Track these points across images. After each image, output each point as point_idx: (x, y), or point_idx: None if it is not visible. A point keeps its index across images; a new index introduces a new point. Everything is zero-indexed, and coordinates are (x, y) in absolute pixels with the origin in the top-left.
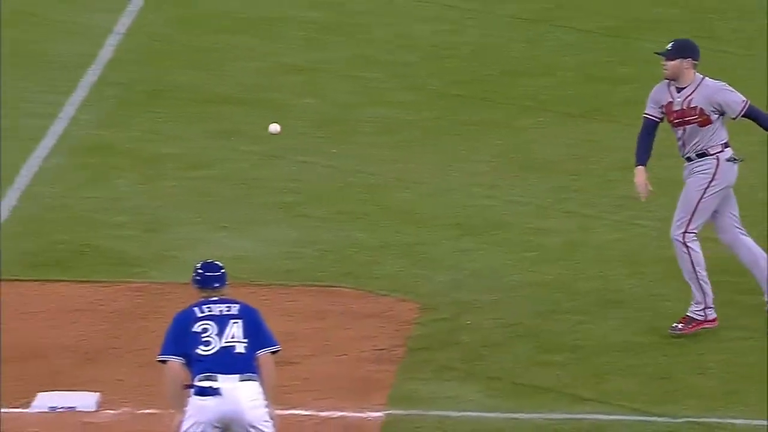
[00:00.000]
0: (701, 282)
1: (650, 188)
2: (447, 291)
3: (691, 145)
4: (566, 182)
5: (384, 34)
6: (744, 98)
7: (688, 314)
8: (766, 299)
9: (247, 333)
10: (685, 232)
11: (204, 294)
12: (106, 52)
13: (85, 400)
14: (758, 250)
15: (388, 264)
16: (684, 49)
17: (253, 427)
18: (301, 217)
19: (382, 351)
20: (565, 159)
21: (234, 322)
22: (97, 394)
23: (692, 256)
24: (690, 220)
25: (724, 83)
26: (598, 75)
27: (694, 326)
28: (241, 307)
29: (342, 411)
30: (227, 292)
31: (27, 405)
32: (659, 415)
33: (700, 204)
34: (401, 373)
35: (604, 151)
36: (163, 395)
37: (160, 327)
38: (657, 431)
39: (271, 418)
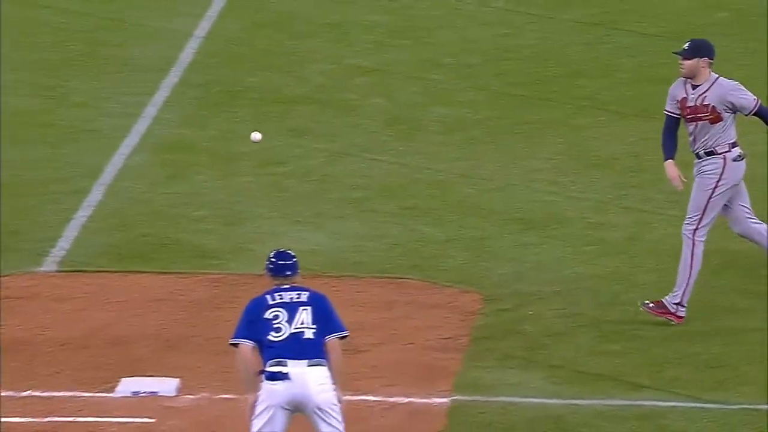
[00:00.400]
0: (690, 280)
1: (684, 178)
2: (510, 283)
3: (701, 141)
4: (624, 179)
5: (449, 38)
6: (755, 97)
7: (662, 300)
8: None
9: (316, 319)
10: (696, 229)
11: (276, 282)
12: (186, 55)
13: (165, 386)
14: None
15: (453, 257)
16: (700, 49)
17: (321, 410)
18: (370, 212)
19: (448, 340)
20: (622, 156)
21: (303, 309)
22: (177, 379)
23: (694, 254)
24: (701, 218)
25: (737, 83)
26: (653, 76)
27: (661, 313)
28: (310, 294)
29: (409, 397)
30: (299, 280)
31: (111, 390)
32: (714, 402)
33: (710, 203)
34: (466, 360)
35: (660, 149)
36: (238, 381)
37: (236, 316)
38: (712, 417)
39: (339, 401)
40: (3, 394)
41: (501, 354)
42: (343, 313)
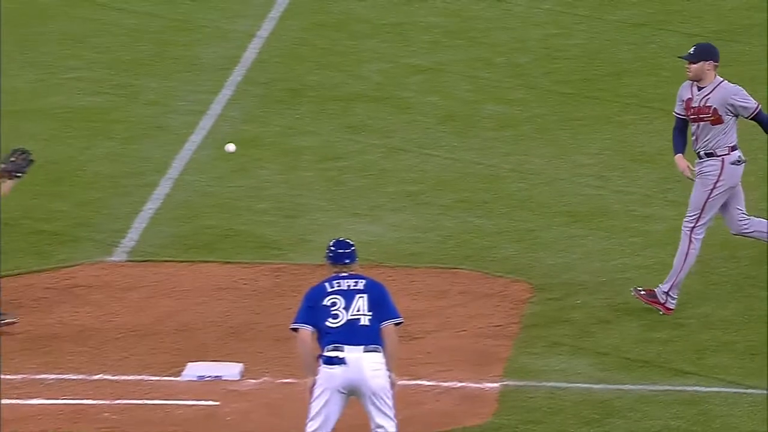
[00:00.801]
0: (681, 273)
1: (693, 168)
2: (558, 273)
3: (702, 141)
4: (668, 173)
5: (501, 38)
6: (757, 103)
7: (654, 290)
8: None
9: (372, 306)
10: (695, 227)
11: (335, 269)
12: (250, 55)
13: (229, 370)
14: (762, 224)
15: (504, 248)
16: (706, 53)
17: (375, 395)
18: (425, 205)
19: (499, 327)
20: (667, 152)
21: (360, 297)
22: (240, 364)
23: (690, 249)
24: (700, 216)
25: (740, 87)
26: None
27: (651, 302)
28: (367, 282)
29: (462, 382)
30: (357, 268)
31: (177, 374)
32: (754, 387)
33: (708, 203)
34: (516, 347)
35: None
36: (298, 366)
37: (297, 304)
38: (753, 402)
39: (393, 384)
40: (74, 377)
41: (549, 341)
42: (398, 301)
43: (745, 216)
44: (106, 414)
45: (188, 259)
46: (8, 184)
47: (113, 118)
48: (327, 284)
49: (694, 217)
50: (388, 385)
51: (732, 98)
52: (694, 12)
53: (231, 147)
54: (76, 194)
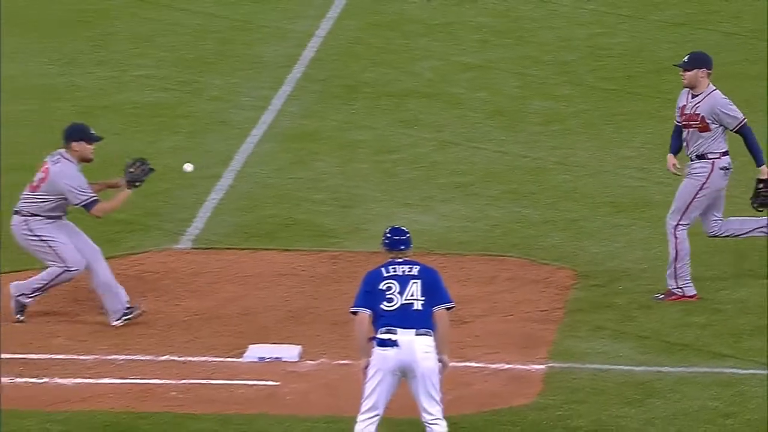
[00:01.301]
0: (677, 266)
1: (678, 165)
2: (602, 261)
3: (692, 146)
4: None
5: (547, 37)
6: (742, 117)
7: (669, 289)
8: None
9: (425, 292)
10: (677, 224)
11: (391, 255)
12: (308, 53)
13: (288, 352)
14: (731, 223)
15: (550, 237)
16: (699, 61)
17: (424, 376)
18: (474, 195)
19: (544, 312)
20: None
21: (414, 282)
22: (299, 346)
23: (677, 244)
24: (683, 215)
25: (728, 100)
26: (734, 72)
27: (674, 299)
28: (421, 268)
29: (509, 364)
30: (411, 254)
31: (239, 355)
32: None
33: (692, 203)
34: (561, 331)
35: (739, 139)
36: (353, 347)
37: (353, 290)
38: None
39: (446, 365)
40: (143, 358)
41: (593, 325)
42: (449, 287)
43: (720, 221)
44: (173, 393)
45: (250, 246)
46: (125, 194)
47: (179, 113)
48: (383, 269)
49: (677, 216)
50: (436, 368)
51: (719, 109)
52: (732, 12)
53: (188, 167)
54: (145, 185)
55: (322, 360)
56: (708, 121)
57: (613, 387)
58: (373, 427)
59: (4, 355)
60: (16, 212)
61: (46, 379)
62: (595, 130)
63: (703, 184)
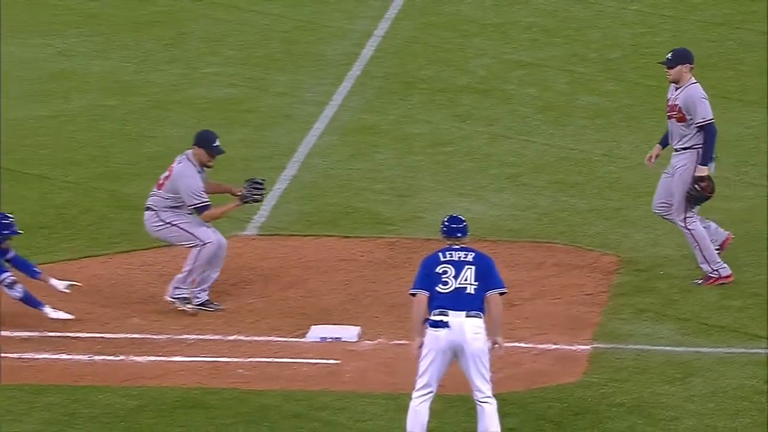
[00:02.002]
0: (704, 256)
1: (654, 160)
2: (644, 247)
3: (676, 137)
4: (745, 158)
5: (594, 36)
6: (710, 117)
7: (705, 273)
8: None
9: (478, 277)
10: (685, 218)
11: (449, 242)
12: (368, 51)
13: (348, 333)
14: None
15: (595, 225)
16: (682, 57)
17: (474, 356)
18: (524, 185)
19: (589, 296)
20: (744, 138)
21: (468, 268)
22: (358, 327)
23: (694, 235)
24: (686, 208)
25: (704, 95)
26: None
27: (712, 281)
28: (476, 255)
29: (556, 344)
30: (468, 242)
31: (302, 336)
32: None
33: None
34: (605, 314)
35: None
36: (410, 327)
37: (409, 275)
38: None
39: (501, 346)
40: (212, 337)
41: (636, 308)
42: (500, 272)
43: (670, 206)
44: (240, 370)
45: (312, 233)
46: (233, 206)
47: (247, 108)
48: (440, 254)
49: (680, 210)
50: (486, 349)
51: (691, 100)
52: None
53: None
54: (214, 175)
55: (380, 340)
56: (684, 112)
57: (655, 366)
58: (427, 403)
59: (83, 334)
60: (147, 208)
61: (122, 357)
62: (637, 124)
63: (693, 175)
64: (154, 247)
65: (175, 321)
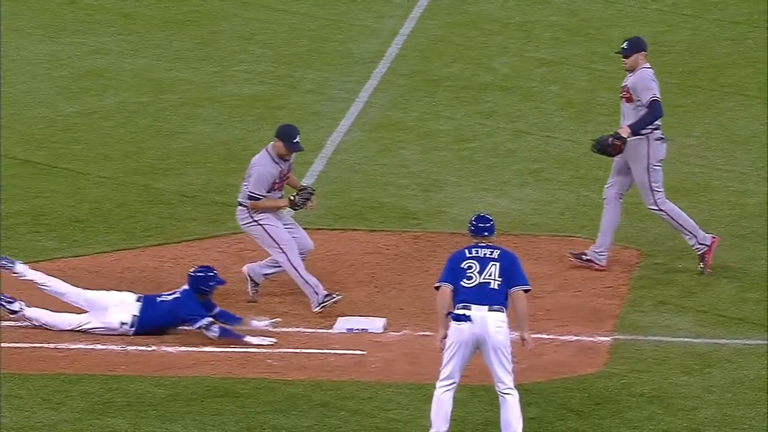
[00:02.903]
0: (686, 229)
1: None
2: (664, 241)
3: (626, 119)
4: (762, 153)
5: (615, 34)
6: (654, 96)
7: (697, 254)
8: (594, 248)
9: (503, 273)
10: (655, 202)
11: (475, 240)
12: (393, 50)
13: (374, 324)
14: (614, 220)
15: None
16: (638, 45)
17: (495, 348)
18: (546, 181)
19: (610, 288)
20: (761, 135)
21: (493, 264)
22: (384, 319)
23: (670, 214)
24: (652, 192)
25: (651, 79)
26: None
27: (707, 256)
28: (501, 252)
29: (577, 336)
30: (494, 240)
31: (329, 327)
32: None
33: (651, 179)
34: (626, 306)
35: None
36: (434, 319)
37: (434, 267)
38: None
39: (528, 341)
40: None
41: (655, 300)
42: (522, 265)
43: (622, 196)
44: (269, 361)
45: (340, 227)
46: (282, 204)
47: (276, 104)
48: (467, 250)
49: (648, 196)
50: (508, 341)
51: (639, 82)
52: None
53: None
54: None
55: (405, 331)
56: (631, 92)
57: (674, 357)
58: (450, 393)
59: None
60: (239, 204)
61: (154, 347)
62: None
63: (648, 161)
64: (185, 241)
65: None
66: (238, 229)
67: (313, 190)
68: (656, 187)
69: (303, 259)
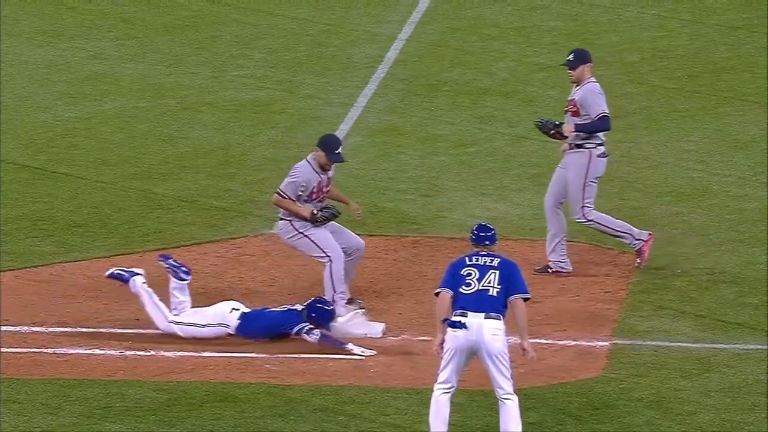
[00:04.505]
0: (618, 231)
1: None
2: (662, 245)
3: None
4: (761, 158)
5: (613, 39)
6: (605, 110)
7: (634, 249)
8: (549, 257)
9: (502, 281)
10: (583, 212)
11: (476, 249)
12: (392, 54)
13: (373, 329)
14: (560, 226)
15: None
16: (583, 57)
17: (492, 356)
18: (544, 185)
19: (609, 293)
20: (759, 139)
21: (492, 272)
22: (383, 324)
23: (598, 221)
24: (582, 208)
25: (599, 93)
26: None
27: (643, 253)
28: (501, 260)
29: (576, 340)
30: (496, 249)
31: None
32: None
33: (585, 194)
34: (624, 310)
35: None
36: (433, 324)
37: (433, 272)
38: None
39: (528, 351)
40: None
41: (654, 305)
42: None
43: (560, 204)
44: (268, 366)
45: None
46: (303, 212)
47: (275, 109)
48: (467, 258)
49: (577, 209)
50: (505, 348)
51: (586, 96)
52: None
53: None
54: (244, 175)
55: (404, 336)
56: (579, 106)
57: (673, 362)
58: (447, 396)
59: (115, 330)
60: (280, 218)
61: (152, 352)
62: (656, 125)
63: (586, 174)
64: (183, 246)
65: None
66: (237, 234)
67: (339, 213)
68: (587, 203)
69: (359, 258)
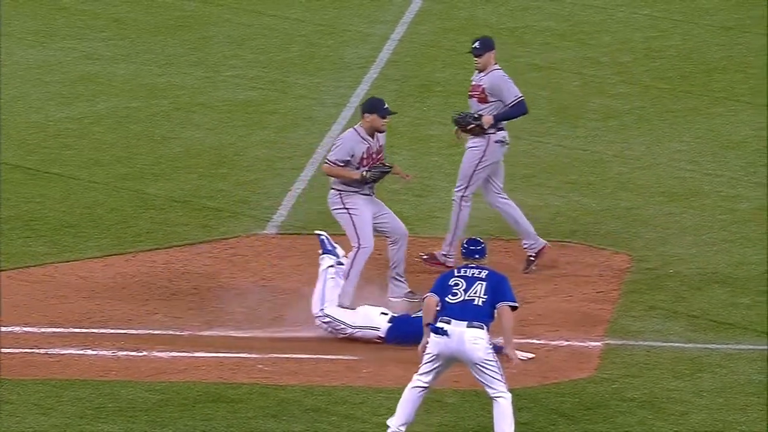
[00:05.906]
0: (456, 234)
1: (461, 137)
2: (655, 246)
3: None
4: (753, 158)
5: (606, 40)
6: (519, 95)
7: (434, 253)
8: (524, 244)
9: (488, 291)
10: (463, 196)
11: (466, 262)
12: (385, 55)
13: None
14: (515, 211)
15: (607, 224)
16: (489, 45)
17: (475, 364)
18: (537, 185)
19: (601, 293)
20: (752, 139)
21: (479, 283)
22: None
23: (460, 214)
24: (467, 187)
25: (506, 77)
26: None
27: (434, 263)
28: (489, 273)
29: (568, 341)
30: (485, 262)
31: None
32: None
33: (474, 175)
34: (617, 311)
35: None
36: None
37: (425, 272)
38: None
39: (511, 358)
40: (234, 333)
41: (647, 305)
42: (513, 270)
43: (500, 191)
44: (260, 366)
45: (331, 232)
46: (354, 175)
47: (268, 110)
48: (456, 270)
49: (462, 186)
50: (488, 355)
51: (497, 83)
52: None
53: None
54: (236, 176)
55: None
56: (487, 93)
57: (666, 362)
58: (419, 391)
59: (108, 330)
60: (331, 187)
61: (145, 353)
62: (649, 125)
63: (482, 157)
64: (176, 246)
65: (196, 317)
66: (229, 234)
67: (391, 166)
68: (473, 185)
69: (400, 247)
